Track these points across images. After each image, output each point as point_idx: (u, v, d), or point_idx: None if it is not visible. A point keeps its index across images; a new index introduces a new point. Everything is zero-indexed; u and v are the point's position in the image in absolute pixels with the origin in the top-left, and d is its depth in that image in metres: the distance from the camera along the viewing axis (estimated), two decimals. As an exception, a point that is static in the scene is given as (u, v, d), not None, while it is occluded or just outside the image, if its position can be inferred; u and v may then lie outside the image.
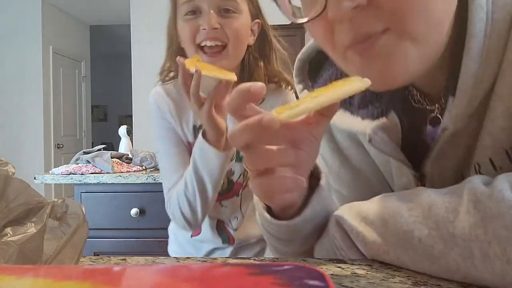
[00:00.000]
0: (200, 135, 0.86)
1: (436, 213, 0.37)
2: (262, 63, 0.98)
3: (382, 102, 0.52)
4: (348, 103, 0.55)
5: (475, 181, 0.36)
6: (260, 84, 0.40)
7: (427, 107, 0.52)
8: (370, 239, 0.42)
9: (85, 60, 6.11)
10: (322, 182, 0.48)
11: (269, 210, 0.49)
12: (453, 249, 0.35)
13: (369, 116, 0.52)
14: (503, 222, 0.33)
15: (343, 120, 0.55)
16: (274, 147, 0.41)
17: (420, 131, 0.52)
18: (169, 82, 1.00)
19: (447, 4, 0.43)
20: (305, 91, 0.61)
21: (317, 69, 0.61)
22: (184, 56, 0.92)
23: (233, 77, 0.78)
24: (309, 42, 0.60)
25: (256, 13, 0.96)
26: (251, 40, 0.95)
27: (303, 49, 0.60)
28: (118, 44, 7.02)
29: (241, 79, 0.93)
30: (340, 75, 0.56)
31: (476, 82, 0.43)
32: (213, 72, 0.78)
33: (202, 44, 0.87)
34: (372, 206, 0.43)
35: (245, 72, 0.97)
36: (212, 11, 0.85)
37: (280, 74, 1.00)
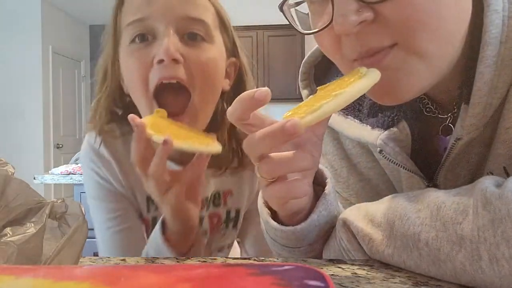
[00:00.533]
0: (158, 228, 0.59)
1: (445, 214, 0.36)
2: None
3: (393, 111, 0.51)
4: (357, 110, 0.55)
5: (486, 182, 0.36)
6: (264, 89, 0.39)
7: (439, 116, 0.51)
8: (375, 241, 0.41)
9: (85, 60, 6.10)
10: (328, 187, 0.48)
11: (274, 217, 0.48)
12: (461, 251, 0.34)
13: (379, 125, 0.51)
14: None
15: (352, 128, 0.54)
16: (290, 153, 0.40)
17: (431, 140, 0.51)
18: (108, 134, 0.69)
19: (458, 15, 0.42)
20: (311, 96, 0.60)
21: (324, 74, 0.59)
22: (126, 103, 0.66)
23: (217, 147, 0.54)
24: (316, 46, 0.58)
25: (232, 49, 0.69)
26: (225, 84, 0.67)
27: (310, 53, 0.59)
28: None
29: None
30: None
31: (491, 90, 0.42)
32: (190, 141, 0.52)
33: (158, 84, 0.58)
34: (380, 207, 0.43)
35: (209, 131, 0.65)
36: (172, 32, 0.58)
37: None
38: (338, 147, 0.61)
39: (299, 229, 0.46)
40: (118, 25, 0.64)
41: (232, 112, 0.40)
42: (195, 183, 0.57)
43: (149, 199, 0.70)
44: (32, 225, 0.34)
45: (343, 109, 0.55)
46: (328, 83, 0.43)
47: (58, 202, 0.38)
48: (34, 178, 2.09)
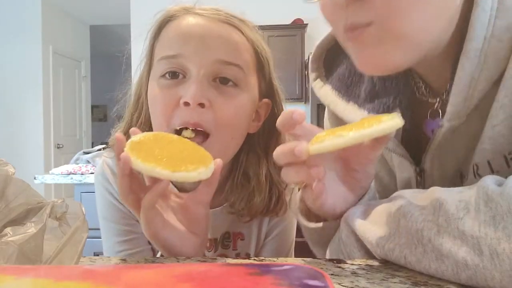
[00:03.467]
0: None
1: (446, 211, 0.37)
2: (265, 163, 0.66)
3: (389, 98, 0.53)
4: (356, 96, 0.57)
5: (488, 181, 0.37)
6: (301, 111, 0.44)
7: (429, 100, 0.53)
8: (377, 237, 0.42)
9: (85, 60, 6.10)
10: (365, 198, 0.50)
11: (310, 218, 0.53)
12: (462, 246, 0.35)
13: (375, 111, 0.54)
14: None
15: (351, 113, 0.56)
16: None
17: (420, 124, 0.53)
18: None
19: (439, 6, 0.44)
20: (318, 80, 0.61)
21: (334, 59, 0.61)
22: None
23: (194, 176, 0.45)
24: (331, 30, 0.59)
25: (267, 90, 0.67)
26: (253, 126, 0.65)
27: (323, 37, 0.61)
28: (118, 44, 7.01)
29: (230, 186, 0.65)
30: (354, 70, 0.58)
31: (472, 83, 0.44)
32: (153, 164, 0.44)
33: (178, 128, 0.57)
34: (386, 206, 0.44)
35: (237, 175, 0.65)
36: (202, 75, 0.57)
37: (284, 190, 0.67)
38: None
39: (327, 225, 0.50)
40: (153, 56, 0.63)
41: (277, 124, 0.46)
42: (185, 212, 0.52)
43: None
44: (33, 225, 0.34)
45: (346, 95, 0.58)
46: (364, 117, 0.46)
47: (59, 202, 0.38)
48: (35, 178, 2.09)
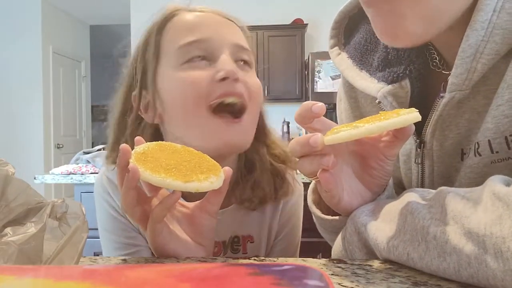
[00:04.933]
0: None
1: (454, 209, 0.37)
2: (265, 150, 0.67)
3: (400, 68, 0.53)
4: (369, 64, 0.57)
5: (496, 181, 0.37)
6: (320, 104, 0.43)
7: (443, 72, 0.53)
8: (382, 234, 0.42)
9: (85, 60, 6.10)
10: (383, 196, 0.49)
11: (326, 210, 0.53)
12: (467, 244, 0.35)
13: (384, 79, 0.54)
14: None
15: (362, 80, 0.57)
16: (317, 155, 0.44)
17: (433, 97, 0.53)
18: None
19: None
20: (336, 48, 0.62)
21: (355, 26, 0.61)
22: (149, 136, 0.61)
23: (219, 181, 0.45)
24: None
25: None
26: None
27: (347, 2, 0.61)
28: (118, 44, 7.00)
29: (238, 179, 0.65)
30: (370, 38, 0.58)
31: (476, 55, 0.44)
32: (163, 174, 0.42)
33: (217, 102, 0.57)
34: (392, 204, 0.44)
35: (241, 167, 0.66)
36: (230, 56, 0.59)
37: (285, 173, 0.68)
38: (354, 106, 0.63)
39: (340, 219, 0.50)
40: (160, 50, 0.62)
41: (295, 117, 0.46)
42: (191, 222, 0.50)
43: None
44: (33, 225, 0.34)
45: (360, 63, 0.58)
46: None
47: (59, 202, 0.38)
48: (35, 178, 2.09)
